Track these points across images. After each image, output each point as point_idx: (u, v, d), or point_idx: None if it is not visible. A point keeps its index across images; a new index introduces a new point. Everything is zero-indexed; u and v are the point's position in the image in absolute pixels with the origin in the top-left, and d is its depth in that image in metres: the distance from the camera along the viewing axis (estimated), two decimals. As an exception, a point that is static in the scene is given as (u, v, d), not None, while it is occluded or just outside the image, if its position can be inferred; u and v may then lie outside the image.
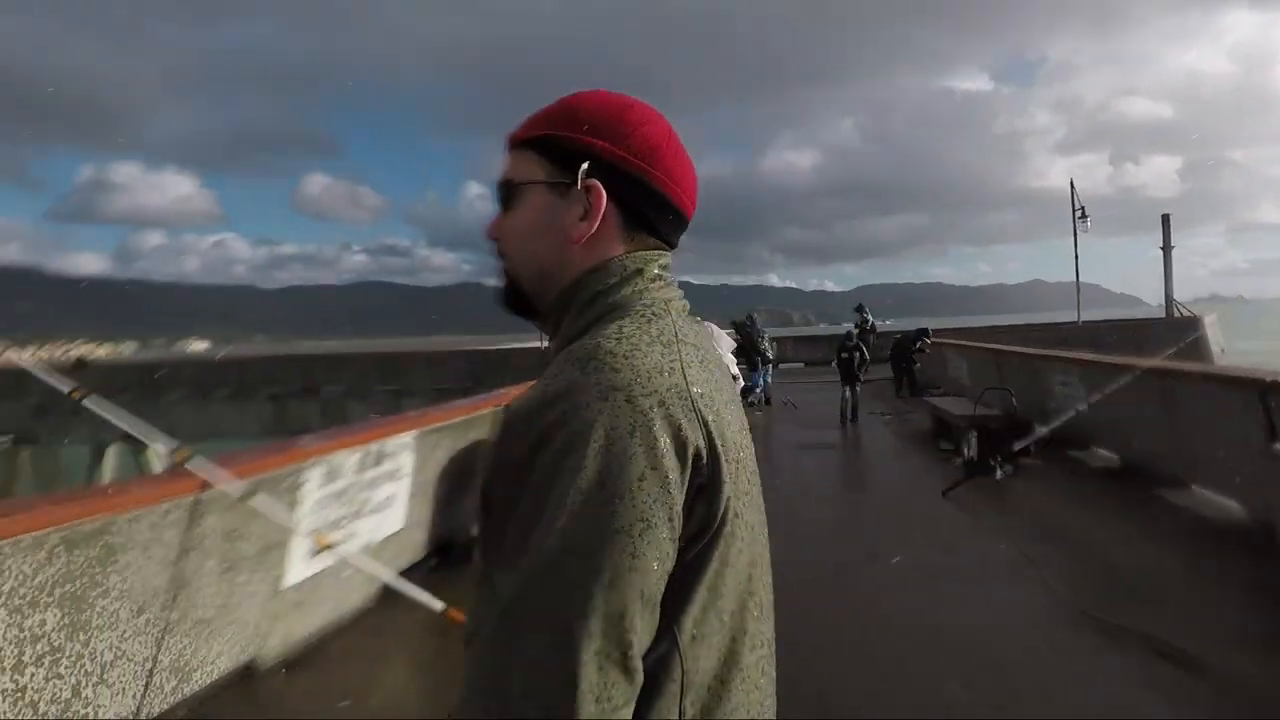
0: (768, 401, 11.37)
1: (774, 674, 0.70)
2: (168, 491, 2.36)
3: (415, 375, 16.49)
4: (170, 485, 2.39)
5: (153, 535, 2.30)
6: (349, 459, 3.25)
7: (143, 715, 2.34)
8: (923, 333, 12.36)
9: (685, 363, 0.62)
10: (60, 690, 2.06)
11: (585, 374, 0.57)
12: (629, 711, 0.53)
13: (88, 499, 2.16)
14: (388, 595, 3.60)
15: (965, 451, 6.11)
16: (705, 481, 0.58)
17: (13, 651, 1.92)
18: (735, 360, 7.08)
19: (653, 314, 0.65)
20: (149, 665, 2.34)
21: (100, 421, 2.59)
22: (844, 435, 8.58)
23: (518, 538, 0.55)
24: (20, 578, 1.92)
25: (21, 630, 1.94)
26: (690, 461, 0.57)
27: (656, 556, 0.54)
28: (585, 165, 0.67)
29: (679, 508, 0.56)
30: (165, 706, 2.45)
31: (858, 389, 9.16)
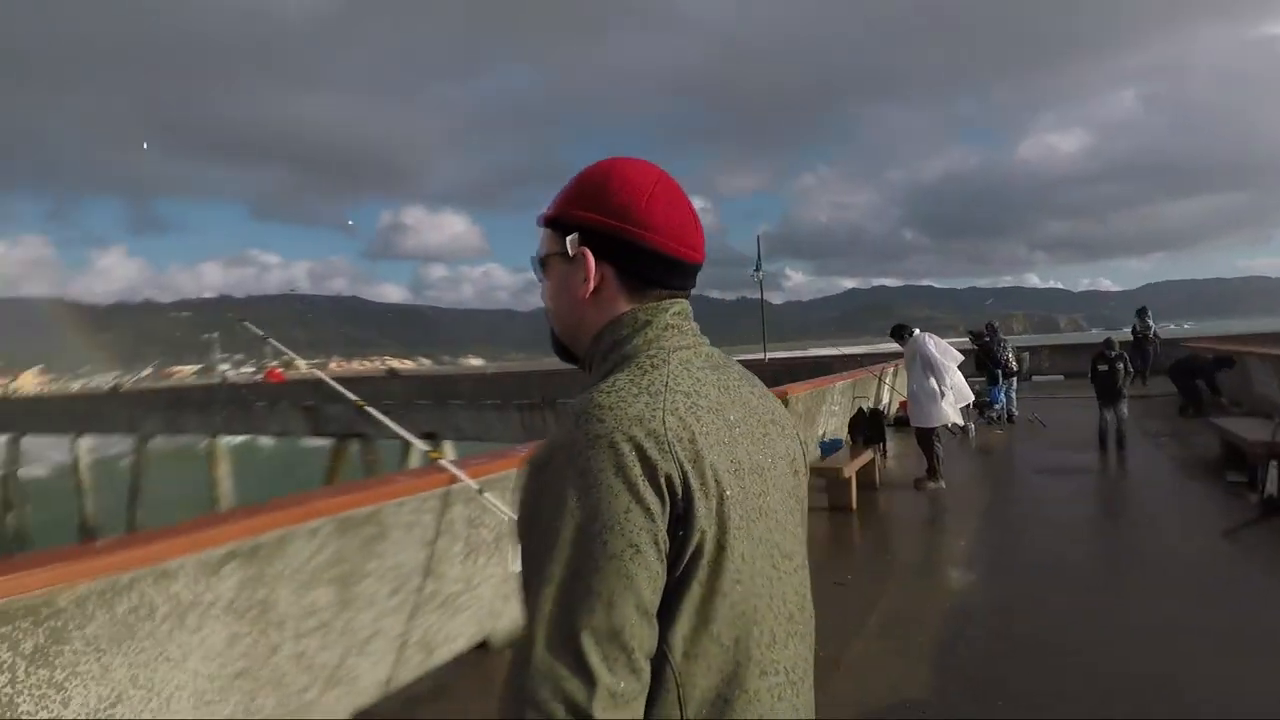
0: (1010, 418, 10.24)
1: (801, 700, 0.77)
2: (426, 484, 2.91)
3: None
4: (429, 478, 2.94)
5: (414, 518, 2.86)
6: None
7: (392, 684, 2.82)
8: (1222, 362, 10.15)
9: (668, 410, 0.71)
10: (328, 659, 2.55)
11: (577, 427, 0.70)
12: (640, 707, 0.65)
13: (359, 491, 2.74)
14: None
15: (1262, 486, 5.03)
16: (681, 513, 0.68)
17: (293, 624, 2.42)
18: (959, 373, 6.55)
19: (650, 365, 0.76)
20: (401, 640, 2.84)
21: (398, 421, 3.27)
22: (1102, 460, 7.43)
23: (533, 570, 0.67)
24: (304, 555, 2.45)
25: (302, 605, 2.45)
26: (667, 495, 0.68)
27: (647, 575, 0.66)
28: (573, 236, 0.81)
29: (663, 533, 0.67)
30: (412, 677, 2.90)
31: (1123, 408, 7.78)
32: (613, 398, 0.72)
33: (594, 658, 0.63)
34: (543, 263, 0.88)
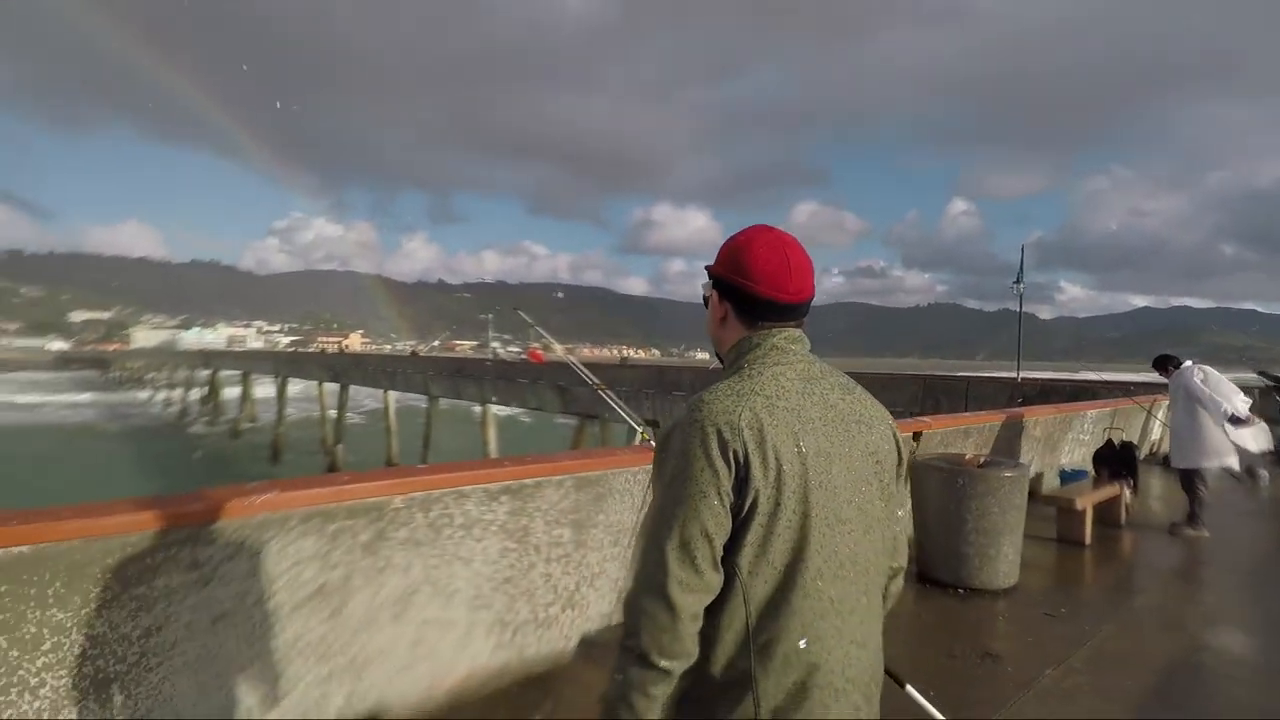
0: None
1: (846, 626, 1.09)
2: (640, 459, 3.46)
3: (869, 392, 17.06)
4: (642, 454, 3.49)
5: (626, 487, 3.43)
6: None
7: (613, 619, 3.43)
8: None
9: (746, 407, 1.06)
10: (568, 584, 3.21)
11: (689, 412, 1.08)
12: (696, 596, 1.01)
13: (591, 457, 3.39)
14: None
15: None
16: (744, 477, 1.03)
17: (545, 550, 3.11)
18: (1246, 412, 5.63)
19: (748, 375, 1.12)
20: (619, 582, 3.45)
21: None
22: None
23: (651, 496, 1.10)
24: (553, 499, 3.14)
25: (550, 536, 3.13)
26: (733, 464, 1.03)
27: (710, 514, 1.02)
28: (706, 282, 1.23)
29: (728, 488, 1.03)
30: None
31: None
32: (712, 396, 1.10)
33: (670, 558, 1.02)
34: (705, 300, 1.29)
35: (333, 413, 37.57)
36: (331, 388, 39.78)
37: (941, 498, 4.45)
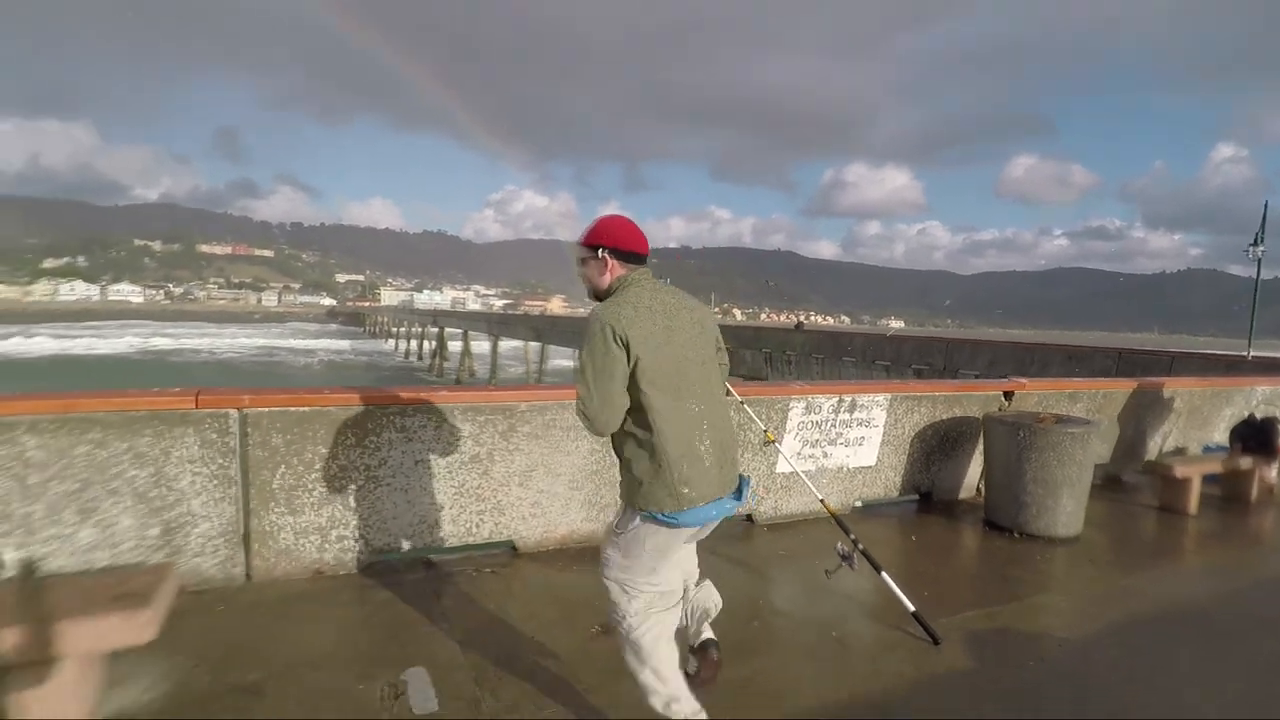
0: None
1: (706, 408, 2.10)
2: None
3: (1053, 365, 15.98)
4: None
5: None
6: (827, 401, 4.81)
7: None
8: None
9: (621, 312, 2.02)
10: None
11: (593, 315, 2.05)
12: (603, 407, 2.01)
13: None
14: (855, 509, 5.06)
15: None
16: (627, 349, 1.99)
17: None
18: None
19: (622, 296, 2.08)
20: None
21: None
22: None
23: (582, 362, 2.06)
24: None
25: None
26: (621, 344, 1.99)
27: (616, 365, 1.99)
28: (593, 250, 2.15)
29: (622, 357, 1.99)
30: None
31: None
32: (604, 307, 2.08)
33: (590, 386, 2.02)
34: (581, 261, 2.22)
35: (535, 366, 42.02)
36: (535, 346, 44.39)
37: (1005, 450, 4.89)
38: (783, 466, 4.76)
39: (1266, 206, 17.10)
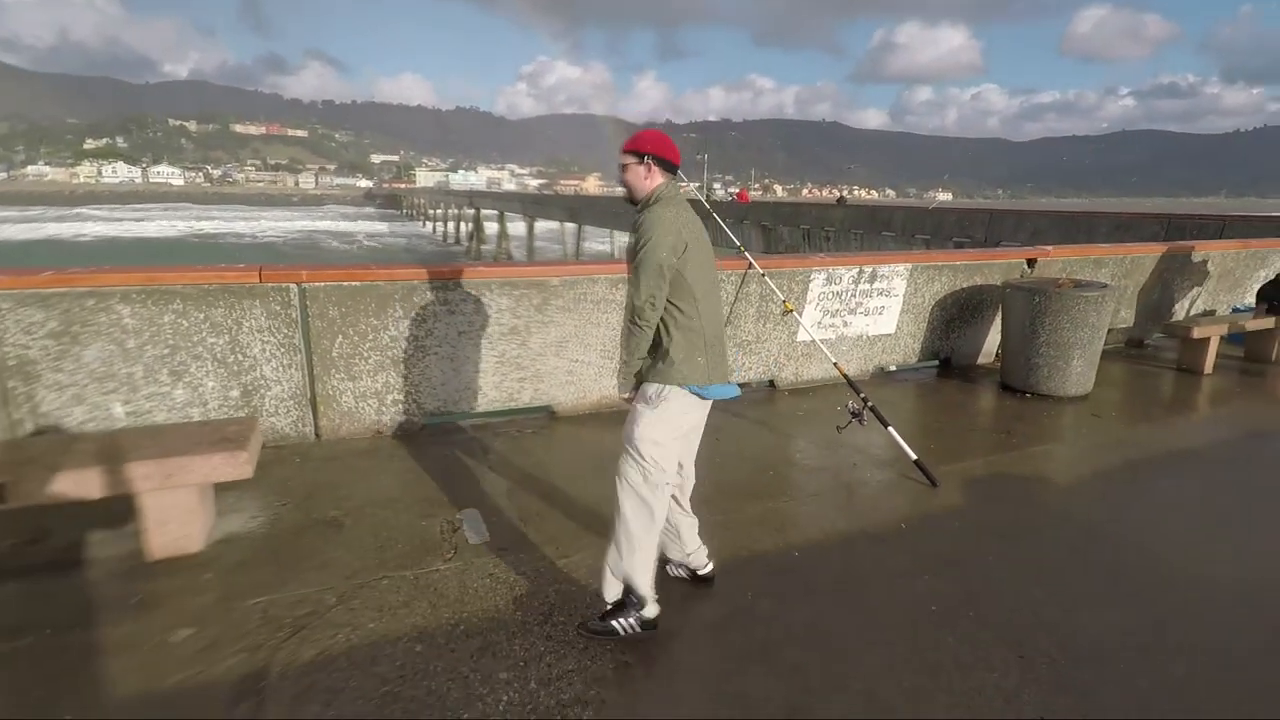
0: None
1: (720, 301, 2.35)
2: (730, 265, 4.59)
3: (1098, 235, 15.48)
4: (732, 260, 4.60)
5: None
6: (847, 272, 4.94)
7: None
8: None
9: (680, 218, 2.22)
10: None
11: (654, 221, 2.21)
12: (659, 306, 2.22)
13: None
14: (875, 374, 5.31)
15: None
16: (684, 252, 2.20)
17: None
18: None
19: (673, 205, 2.26)
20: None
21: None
22: None
23: (641, 258, 2.23)
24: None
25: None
26: (680, 247, 2.20)
27: (670, 270, 2.19)
28: (638, 156, 2.30)
29: (674, 261, 2.19)
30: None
31: None
32: (664, 215, 2.24)
33: (651, 275, 2.20)
34: (624, 167, 2.39)
35: (571, 247, 42.05)
36: (570, 227, 44.09)
37: (1020, 315, 5.01)
38: (803, 335, 4.98)
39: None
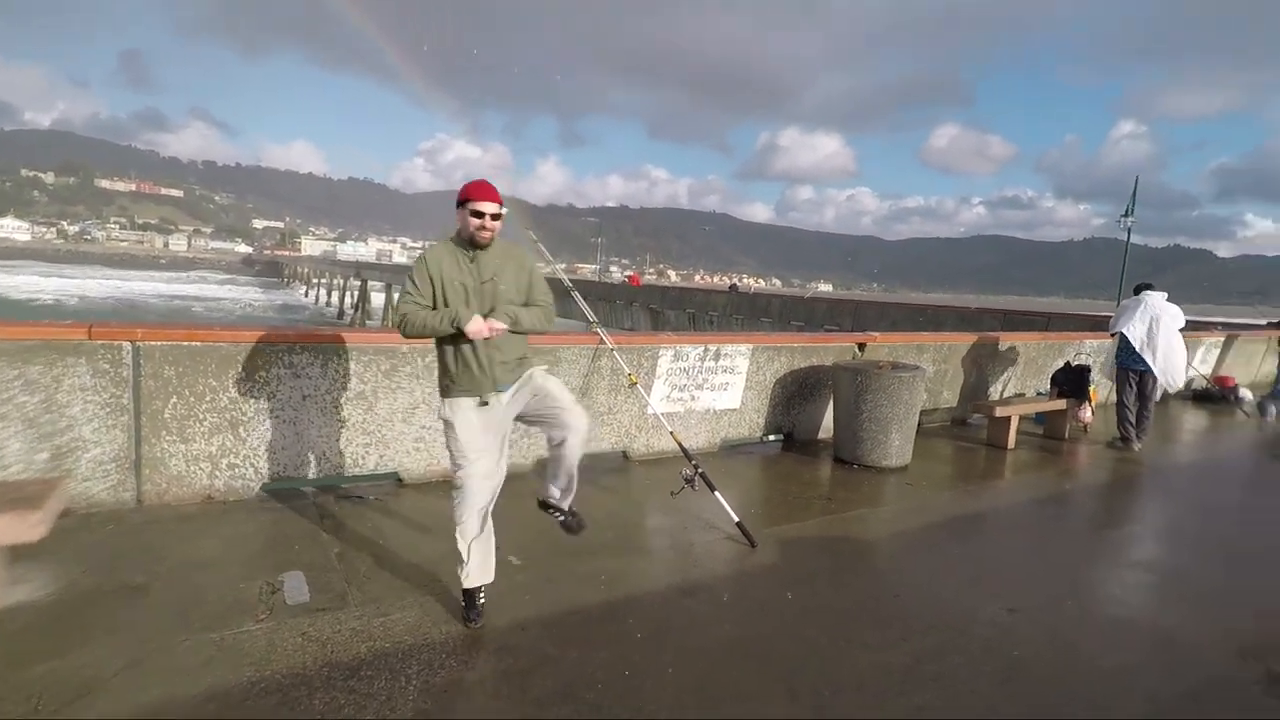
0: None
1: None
2: (584, 340, 4.90)
3: (947, 325, 17.33)
4: (586, 336, 4.91)
5: (575, 359, 4.90)
6: (694, 350, 5.36)
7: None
8: None
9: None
10: None
11: (532, 259, 2.72)
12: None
13: (545, 336, 4.86)
14: (723, 447, 5.69)
15: None
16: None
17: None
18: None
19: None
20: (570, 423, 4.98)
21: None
22: None
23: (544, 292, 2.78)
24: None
25: None
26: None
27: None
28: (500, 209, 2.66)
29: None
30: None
31: None
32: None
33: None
34: (500, 216, 2.71)
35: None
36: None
37: (847, 393, 5.59)
38: (654, 409, 5.30)
39: (1137, 182, 18.76)
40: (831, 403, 6.15)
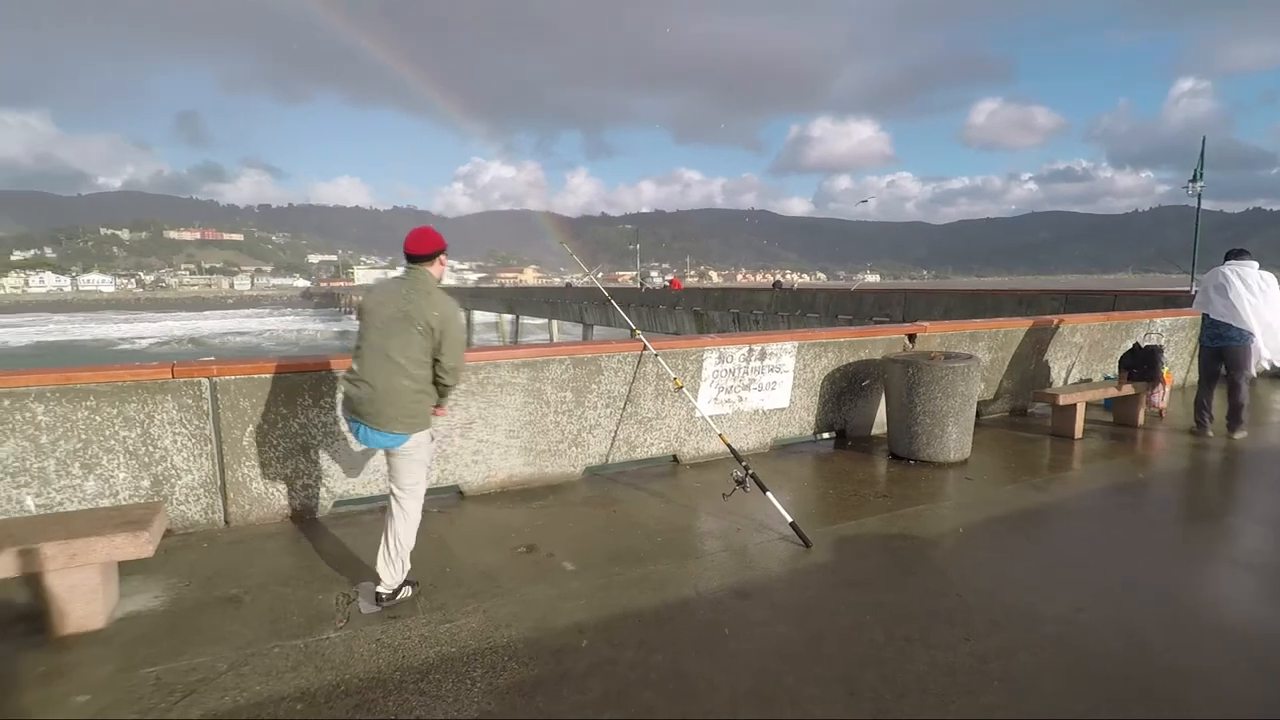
0: None
1: (376, 366, 2.89)
2: (626, 347, 5.01)
3: (1005, 310, 16.76)
4: (629, 344, 5.02)
5: (618, 366, 5.01)
6: (737, 351, 5.41)
7: (610, 460, 5.09)
8: None
9: (371, 289, 2.88)
10: (572, 429, 4.89)
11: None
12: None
13: (587, 346, 5.00)
14: (774, 448, 5.71)
15: None
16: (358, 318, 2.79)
17: (554, 405, 4.79)
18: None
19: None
20: (613, 434, 5.09)
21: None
22: None
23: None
24: (557, 373, 4.80)
25: (557, 396, 4.80)
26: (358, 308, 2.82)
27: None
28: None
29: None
30: (619, 459, 5.16)
31: None
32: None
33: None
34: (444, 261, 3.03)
35: (509, 337, 42.58)
36: (508, 317, 44.80)
37: (899, 387, 5.54)
38: (702, 411, 5.37)
39: (1204, 143, 17.79)
40: (884, 397, 6.10)
